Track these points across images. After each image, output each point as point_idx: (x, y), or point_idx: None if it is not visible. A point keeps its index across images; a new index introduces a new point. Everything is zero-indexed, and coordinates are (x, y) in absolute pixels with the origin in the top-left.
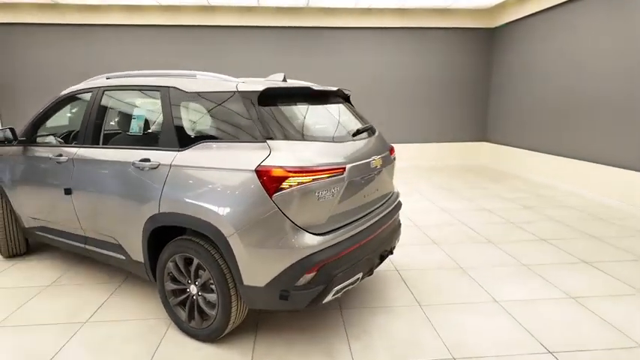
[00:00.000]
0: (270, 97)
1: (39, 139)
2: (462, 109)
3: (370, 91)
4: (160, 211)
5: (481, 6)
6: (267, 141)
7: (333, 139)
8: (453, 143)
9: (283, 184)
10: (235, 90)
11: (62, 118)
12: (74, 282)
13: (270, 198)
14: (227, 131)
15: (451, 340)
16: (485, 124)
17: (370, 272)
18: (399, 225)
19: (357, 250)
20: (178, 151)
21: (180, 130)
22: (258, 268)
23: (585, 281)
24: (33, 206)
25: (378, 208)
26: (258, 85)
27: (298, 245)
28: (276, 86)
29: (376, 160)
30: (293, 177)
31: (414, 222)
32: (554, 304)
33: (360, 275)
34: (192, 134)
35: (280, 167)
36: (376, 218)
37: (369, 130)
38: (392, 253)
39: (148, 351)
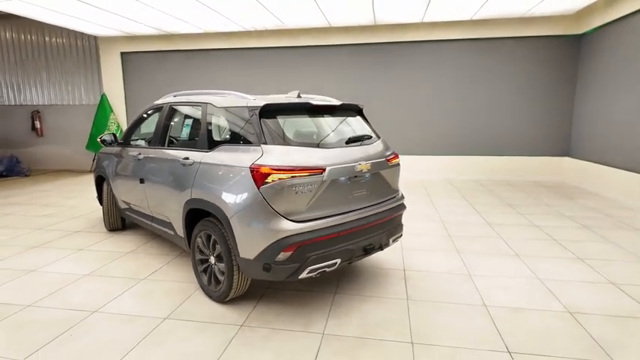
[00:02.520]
0: (270, 111)
1: (131, 142)
2: (542, 122)
3: (443, 102)
4: (192, 197)
5: (565, 11)
6: (262, 145)
7: (320, 145)
8: (530, 157)
9: (268, 178)
10: (246, 105)
11: (147, 126)
12: (146, 252)
13: (258, 189)
14: (237, 137)
15: (418, 329)
16: (569, 138)
17: (350, 261)
18: (398, 226)
19: (335, 239)
20: (206, 152)
21: (209, 135)
22: (249, 244)
23: (599, 300)
24: (124, 192)
25: (367, 207)
26: (262, 101)
27: (277, 228)
28: (276, 102)
29: (362, 165)
30: (275, 173)
31: (448, 232)
32: (545, 316)
33: (337, 261)
34: (216, 139)
35: (267, 165)
36: (362, 215)
37: (365, 139)
38: (381, 249)
39: (176, 302)
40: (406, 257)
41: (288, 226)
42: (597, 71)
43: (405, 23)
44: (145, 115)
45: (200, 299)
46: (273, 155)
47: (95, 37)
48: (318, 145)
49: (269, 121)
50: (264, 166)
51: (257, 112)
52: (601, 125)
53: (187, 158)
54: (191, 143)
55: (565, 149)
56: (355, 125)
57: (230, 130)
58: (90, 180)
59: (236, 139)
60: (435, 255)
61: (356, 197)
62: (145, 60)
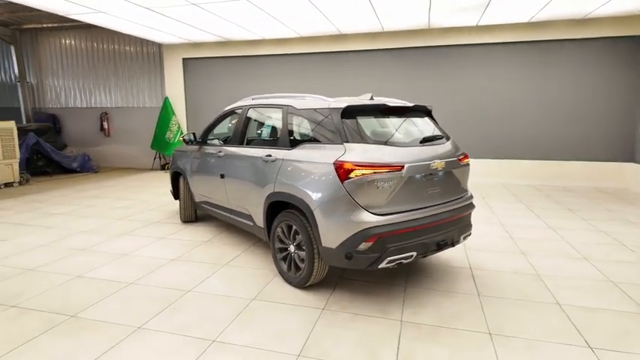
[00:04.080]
0: (351, 112)
1: (208, 141)
2: (604, 127)
3: (498, 107)
4: (275, 191)
5: (629, 12)
6: (344, 143)
7: (399, 144)
8: (589, 162)
9: (351, 174)
10: (328, 107)
11: (223, 127)
12: (222, 242)
13: (342, 184)
14: (319, 136)
15: (494, 322)
16: (633, 143)
17: (424, 254)
18: (468, 224)
19: (412, 233)
20: (288, 149)
21: (291, 135)
22: (331, 234)
23: None
24: (202, 186)
25: (440, 204)
26: (343, 103)
27: (359, 220)
28: (356, 104)
29: (437, 163)
30: (358, 169)
31: (510, 234)
32: (621, 316)
33: (414, 254)
34: (297, 138)
35: (350, 162)
36: (436, 212)
37: (439, 139)
38: (453, 246)
39: (259, 286)
40: (471, 257)
41: (370, 218)
42: None
43: (459, 27)
44: (222, 117)
45: (280, 284)
46: (355, 152)
47: (160, 45)
48: (395, 144)
49: (349, 122)
50: (348, 162)
51: (339, 113)
52: None
53: (270, 155)
54: (272, 142)
55: (629, 154)
56: (426, 126)
57: (311, 130)
58: (152, 177)
59: (318, 138)
60: (499, 255)
61: (430, 194)
62: (203, 65)
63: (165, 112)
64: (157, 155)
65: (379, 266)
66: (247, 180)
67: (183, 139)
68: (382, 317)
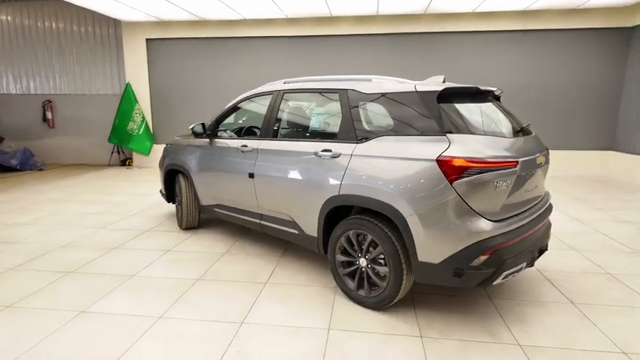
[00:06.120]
0: (447, 97)
1: (219, 134)
2: (588, 115)
3: None
4: (340, 193)
5: (620, 3)
6: (447, 134)
7: (500, 135)
8: (574, 151)
9: (464, 173)
10: (414, 90)
11: (234, 117)
12: (243, 252)
13: (451, 185)
14: (405, 127)
15: (616, 337)
16: (614, 132)
17: (531, 264)
18: (550, 227)
19: (523, 241)
20: (357, 143)
21: (358, 125)
22: (434, 247)
23: None
24: (214, 187)
25: (537, 204)
26: (436, 85)
27: (476, 229)
28: (453, 86)
29: (540, 158)
30: (473, 167)
31: None
32: None
33: (524, 265)
34: (368, 128)
35: (461, 157)
36: (536, 213)
37: (528, 128)
38: (547, 250)
39: (325, 311)
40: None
41: (488, 227)
42: None
43: (456, 12)
44: (237, 105)
45: (347, 306)
46: (463, 146)
47: (115, 22)
48: (497, 135)
49: (447, 108)
50: (458, 158)
51: (435, 97)
52: None
53: (329, 150)
54: (326, 134)
55: (610, 143)
56: (505, 113)
57: (392, 119)
58: (115, 174)
59: (402, 128)
60: (552, 253)
61: (530, 194)
62: (172, 47)
63: (127, 100)
64: (116, 149)
65: (494, 283)
66: (292, 180)
67: (193, 131)
68: (495, 342)
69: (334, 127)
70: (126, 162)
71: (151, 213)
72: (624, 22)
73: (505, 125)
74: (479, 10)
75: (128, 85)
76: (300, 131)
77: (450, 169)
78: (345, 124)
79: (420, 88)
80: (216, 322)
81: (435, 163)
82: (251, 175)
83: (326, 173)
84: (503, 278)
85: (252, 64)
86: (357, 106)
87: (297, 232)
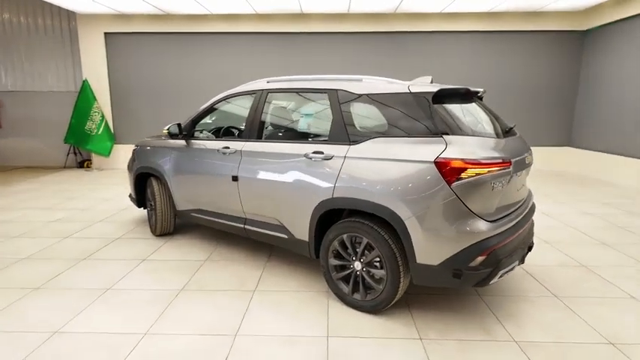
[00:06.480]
0: (441, 98)
1: (196, 134)
2: (546, 113)
3: None
4: (334, 196)
5: (575, 8)
6: (443, 136)
7: (495, 135)
8: (533, 147)
9: (462, 174)
10: (409, 91)
11: (211, 117)
12: (225, 258)
13: (449, 186)
14: (399, 127)
15: (603, 329)
16: (570, 129)
17: (522, 261)
18: (533, 222)
19: (515, 240)
20: (350, 144)
21: (350, 126)
22: (433, 249)
23: None
24: (192, 191)
25: (524, 203)
26: (430, 86)
27: (475, 230)
28: (446, 87)
29: (528, 157)
30: (472, 168)
31: None
32: None
33: (517, 262)
34: (361, 130)
35: (458, 159)
36: (524, 212)
37: (514, 129)
38: (533, 246)
39: (319, 315)
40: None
41: (485, 227)
42: (598, 66)
43: (425, 13)
44: (214, 105)
45: (342, 310)
46: (460, 147)
47: (69, 14)
48: (495, 136)
49: (441, 109)
50: (456, 159)
51: (430, 98)
52: (602, 117)
53: (321, 152)
54: (316, 136)
55: (567, 139)
56: (488, 114)
57: (385, 120)
58: (74, 177)
59: (396, 130)
60: None
61: (518, 193)
62: (134, 42)
63: (84, 97)
64: (72, 150)
65: (490, 282)
66: (280, 184)
67: (169, 132)
68: (492, 340)
69: (324, 128)
70: (84, 164)
71: (120, 219)
72: (578, 26)
73: (493, 126)
74: (446, 11)
75: (85, 82)
76: (288, 132)
77: (448, 171)
78: (336, 125)
79: (413, 89)
80: (208, 336)
81: (433, 164)
82: (235, 179)
83: (318, 176)
84: (499, 277)
85: (221, 62)
86: (349, 107)
87: (286, 236)
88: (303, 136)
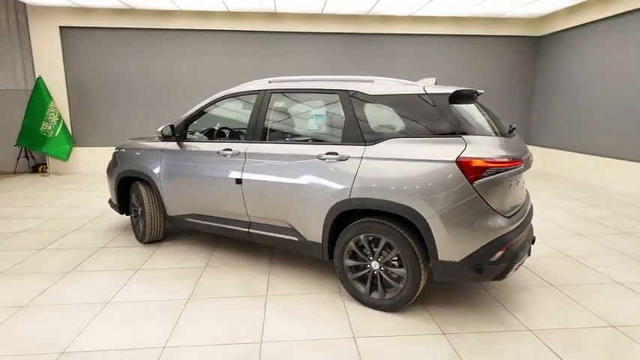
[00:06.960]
0: (456, 98)
1: (189, 136)
2: (506, 114)
3: None
4: (351, 197)
5: (532, 15)
6: (462, 136)
7: (505, 135)
8: None
9: (483, 173)
10: (425, 92)
11: (208, 119)
12: (226, 263)
13: (471, 185)
14: (417, 128)
15: (605, 314)
16: (529, 128)
17: (529, 254)
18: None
19: (525, 234)
20: (365, 145)
21: (364, 127)
22: (455, 246)
23: None
24: (187, 195)
25: (527, 199)
26: (445, 88)
27: (495, 226)
28: (461, 89)
29: (531, 156)
30: (492, 167)
31: None
32: None
33: (526, 256)
34: (376, 131)
35: (479, 158)
36: (528, 208)
37: (514, 128)
38: (535, 239)
39: (340, 316)
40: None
41: (504, 223)
42: (551, 69)
43: (396, 15)
44: (210, 105)
45: (360, 310)
46: (479, 146)
47: (17, 5)
48: (505, 135)
49: (457, 110)
50: (477, 158)
51: (446, 99)
52: (557, 116)
53: (335, 153)
54: (327, 137)
55: (525, 138)
56: (488, 114)
57: (402, 121)
58: (31, 183)
59: (413, 130)
60: None
61: (523, 190)
62: (94, 38)
63: (38, 96)
64: (24, 153)
65: (507, 275)
66: (290, 186)
67: (162, 134)
68: (509, 330)
69: (336, 129)
70: (39, 168)
71: (98, 227)
72: (534, 32)
73: (496, 126)
74: (417, 15)
75: (39, 80)
76: (297, 133)
77: (470, 170)
78: (349, 126)
79: (429, 90)
80: (233, 345)
81: (455, 164)
82: (238, 181)
83: (332, 177)
84: (514, 270)
85: (190, 61)
86: (363, 108)
87: (296, 239)
88: (312, 137)
